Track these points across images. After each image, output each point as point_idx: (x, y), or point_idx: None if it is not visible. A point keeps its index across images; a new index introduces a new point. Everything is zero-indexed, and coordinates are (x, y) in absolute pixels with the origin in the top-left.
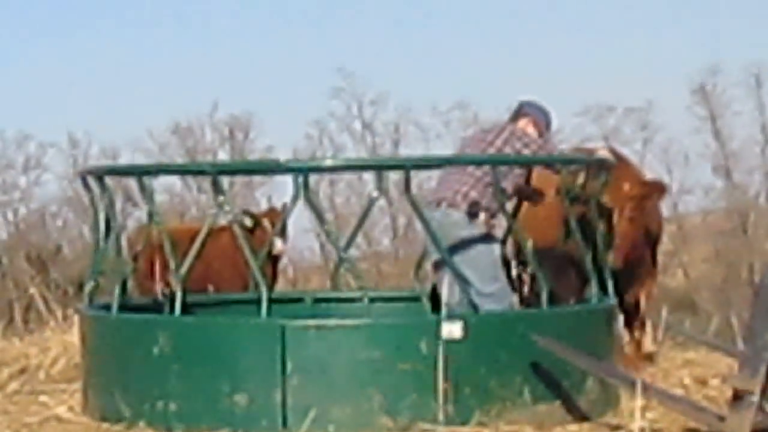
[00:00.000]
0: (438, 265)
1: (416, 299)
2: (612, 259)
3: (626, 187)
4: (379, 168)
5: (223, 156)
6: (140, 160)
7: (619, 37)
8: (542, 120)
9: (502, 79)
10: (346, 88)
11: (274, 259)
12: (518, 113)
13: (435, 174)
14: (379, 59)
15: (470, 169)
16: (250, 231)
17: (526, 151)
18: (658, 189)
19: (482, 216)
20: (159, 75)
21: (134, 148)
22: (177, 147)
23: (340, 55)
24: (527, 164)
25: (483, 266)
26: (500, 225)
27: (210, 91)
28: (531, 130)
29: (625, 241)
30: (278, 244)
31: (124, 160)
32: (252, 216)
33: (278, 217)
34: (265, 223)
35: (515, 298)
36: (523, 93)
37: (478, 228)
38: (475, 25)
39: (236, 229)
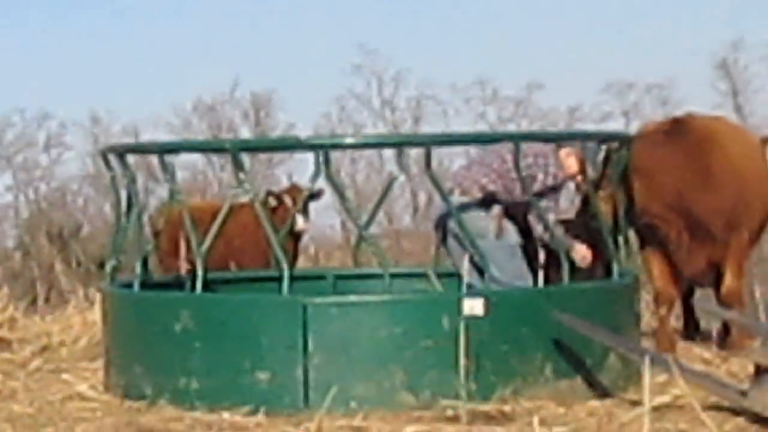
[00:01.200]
0: (451, 243)
1: (438, 275)
2: None
3: None
4: (400, 145)
5: (245, 133)
6: (163, 137)
7: (641, 12)
8: (588, 156)
9: (522, 56)
10: (366, 65)
11: (295, 237)
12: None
13: (456, 151)
14: (399, 36)
15: (495, 164)
16: (272, 209)
17: (540, 176)
18: None
19: (496, 209)
20: (180, 53)
21: (156, 126)
22: (200, 124)
23: (361, 33)
24: (550, 140)
25: (493, 257)
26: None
27: (231, 69)
28: (571, 162)
29: None
30: (300, 221)
31: (145, 137)
32: (274, 195)
33: (300, 194)
34: (287, 200)
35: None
36: (543, 70)
37: (489, 219)
38: (495, 1)
39: (257, 206)
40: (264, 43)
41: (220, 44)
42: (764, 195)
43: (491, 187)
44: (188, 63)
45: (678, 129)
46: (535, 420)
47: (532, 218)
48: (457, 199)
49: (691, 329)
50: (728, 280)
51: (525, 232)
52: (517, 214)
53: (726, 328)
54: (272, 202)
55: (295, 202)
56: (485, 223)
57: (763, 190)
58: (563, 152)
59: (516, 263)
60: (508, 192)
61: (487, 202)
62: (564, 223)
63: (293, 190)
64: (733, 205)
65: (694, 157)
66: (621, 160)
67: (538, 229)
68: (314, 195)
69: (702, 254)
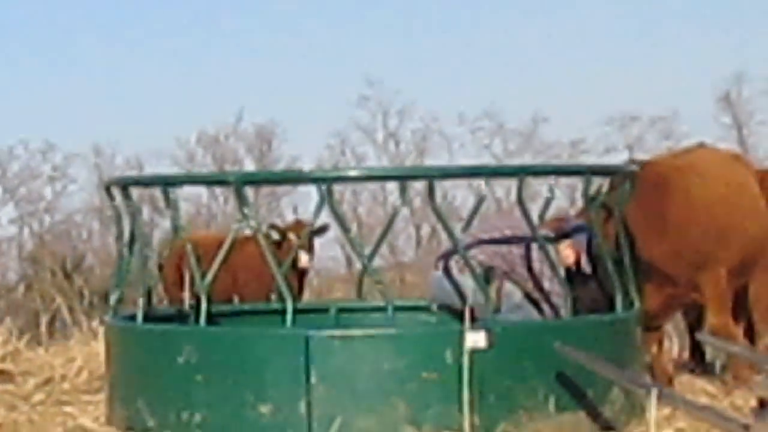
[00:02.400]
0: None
1: (440, 309)
2: None
3: None
4: (403, 178)
5: (249, 166)
6: (167, 169)
7: (644, 45)
8: (584, 247)
9: (528, 88)
10: (372, 96)
11: (300, 273)
12: (565, 235)
13: (460, 183)
14: (405, 68)
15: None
16: (277, 244)
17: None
18: None
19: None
20: (184, 84)
21: (159, 158)
22: (205, 157)
23: (366, 64)
24: (553, 173)
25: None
26: None
27: (235, 101)
28: (569, 252)
29: None
30: (303, 258)
31: (149, 170)
32: (278, 229)
33: (304, 231)
34: (291, 236)
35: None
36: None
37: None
38: (501, 34)
39: (261, 239)
40: (268, 74)
41: (224, 76)
42: (747, 228)
43: (489, 262)
44: (192, 95)
45: (640, 175)
46: None
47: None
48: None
49: (697, 361)
50: (710, 319)
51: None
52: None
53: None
54: (274, 235)
55: (299, 237)
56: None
57: (745, 223)
58: (562, 245)
59: (524, 312)
60: (509, 265)
61: (486, 276)
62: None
63: (297, 226)
64: (697, 247)
65: (647, 203)
66: (624, 194)
67: (544, 278)
68: (318, 231)
69: (660, 295)
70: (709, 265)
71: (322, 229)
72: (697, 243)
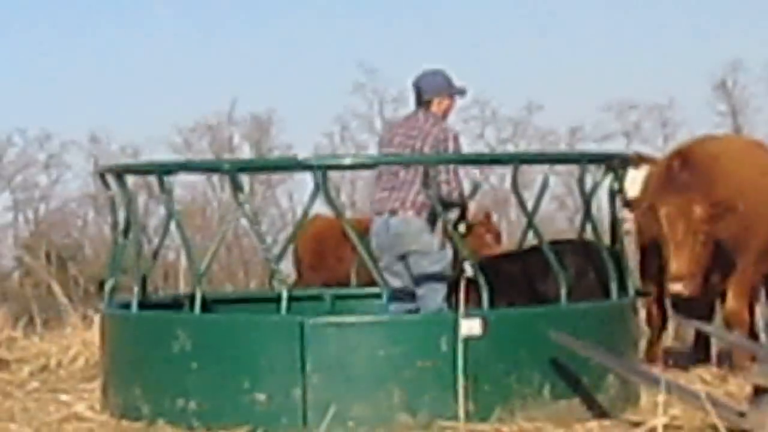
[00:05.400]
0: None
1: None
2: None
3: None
4: (398, 164)
5: (246, 153)
6: (163, 156)
7: (641, 33)
8: (444, 88)
9: (521, 76)
10: (367, 84)
11: None
12: (426, 100)
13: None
14: (400, 56)
15: (409, 176)
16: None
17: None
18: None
19: (439, 224)
20: (181, 72)
21: (155, 145)
22: (200, 144)
23: (362, 52)
24: (549, 161)
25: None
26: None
27: (232, 89)
28: (440, 115)
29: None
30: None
31: (144, 157)
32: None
33: (492, 225)
34: (480, 230)
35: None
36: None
37: (437, 234)
38: (496, 21)
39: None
40: (265, 62)
41: (221, 64)
42: None
43: (425, 201)
44: (189, 83)
45: (675, 161)
46: None
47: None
48: (404, 219)
49: (701, 351)
50: (730, 302)
51: None
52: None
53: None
54: (461, 228)
55: (488, 231)
56: (429, 238)
57: None
58: (435, 108)
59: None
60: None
61: (429, 218)
62: (558, 243)
63: (486, 220)
64: (736, 233)
65: (690, 189)
66: (621, 181)
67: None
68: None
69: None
70: (741, 251)
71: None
72: (737, 229)
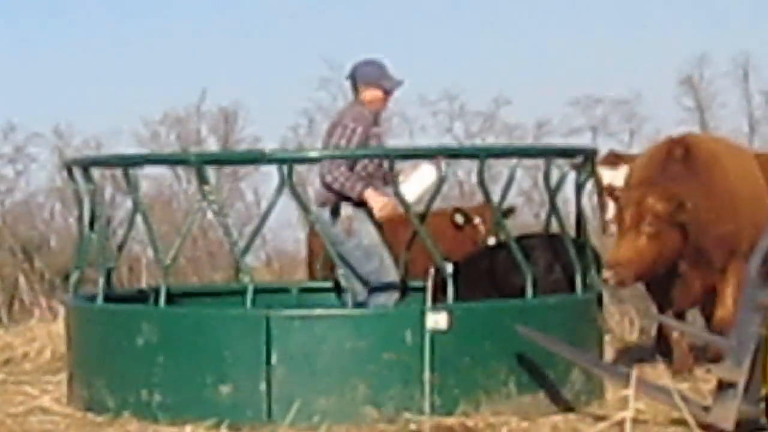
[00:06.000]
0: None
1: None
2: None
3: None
4: (364, 158)
5: (212, 146)
6: (129, 149)
7: (608, 27)
8: (372, 78)
9: (489, 70)
10: (333, 78)
11: None
12: (355, 89)
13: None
14: (366, 50)
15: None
16: (458, 227)
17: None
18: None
19: (345, 211)
20: (147, 64)
21: (121, 138)
22: (167, 137)
23: (329, 46)
24: (516, 155)
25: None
26: None
27: (200, 81)
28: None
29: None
30: (491, 242)
31: (109, 150)
32: (462, 212)
33: (490, 213)
34: (476, 219)
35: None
36: (510, 84)
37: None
38: (464, 15)
39: (413, 218)
40: (233, 55)
41: (188, 56)
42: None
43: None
44: (156, 75)
45: (683, 154)
46: None
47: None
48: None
49: (662, 346)
50: (720, 310)
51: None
52: None
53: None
54: (459, 219)
55: (485, 221)
56: (335, 229)
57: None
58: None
59: (373, 263)
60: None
61: (333, 208)
62: (527, 237)
63: (483, 208)
64: (734, 230)
65: (707, 183)
66: (586, 175)
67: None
68: (507, 212)
69: (700, 283)
70: (730, 256)
71: (510, 211)
72: (726, 232)
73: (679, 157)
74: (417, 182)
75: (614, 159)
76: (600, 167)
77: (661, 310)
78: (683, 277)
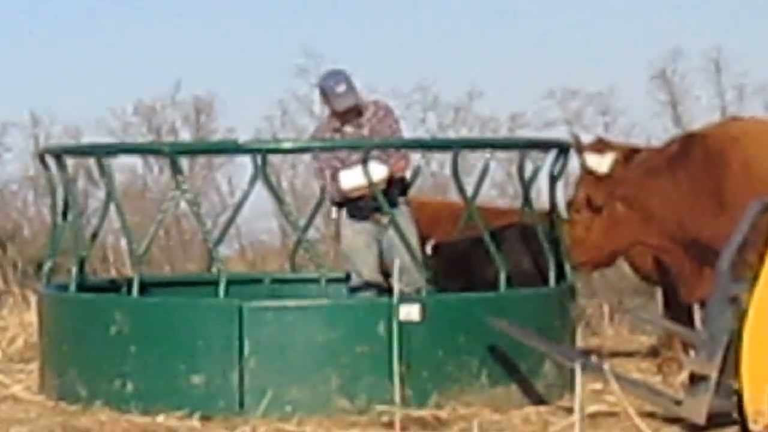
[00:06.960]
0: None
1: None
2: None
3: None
4: (339, 149)
5: (186, 136)
6: (105, 139)
7: (582, 21)
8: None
9: (464, 62)
10: (310, 68)
11: None
12: None
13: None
14: (342, 40)
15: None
16: None
17: None
18: None
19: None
20: (122, 53)
21: (98, 128)
22: (141, 127)
23: (304, 35)
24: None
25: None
26: None
27: (173, 70)
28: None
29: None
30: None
31: (87, 139)
32: None
33: None
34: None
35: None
36: (483, 76)
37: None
38: (438, 7)
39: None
40: (207, 44)
41: (162, 45)
42: None
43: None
44: (130, 64)
45: (681, 150)
46: (475, 426)
47: None
48: None
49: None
50: None
51: None
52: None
53: None
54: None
55: None
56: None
57: None
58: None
59: (350, 267)
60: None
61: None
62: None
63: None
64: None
65: (700, 177)
66: (559, 168)
67: None
68: None
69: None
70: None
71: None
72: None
73: (676, 153)
74: (359, 174)
75: (601, 146)
76: (586, 153)
77: (668, 304)
78: (692, 271)
